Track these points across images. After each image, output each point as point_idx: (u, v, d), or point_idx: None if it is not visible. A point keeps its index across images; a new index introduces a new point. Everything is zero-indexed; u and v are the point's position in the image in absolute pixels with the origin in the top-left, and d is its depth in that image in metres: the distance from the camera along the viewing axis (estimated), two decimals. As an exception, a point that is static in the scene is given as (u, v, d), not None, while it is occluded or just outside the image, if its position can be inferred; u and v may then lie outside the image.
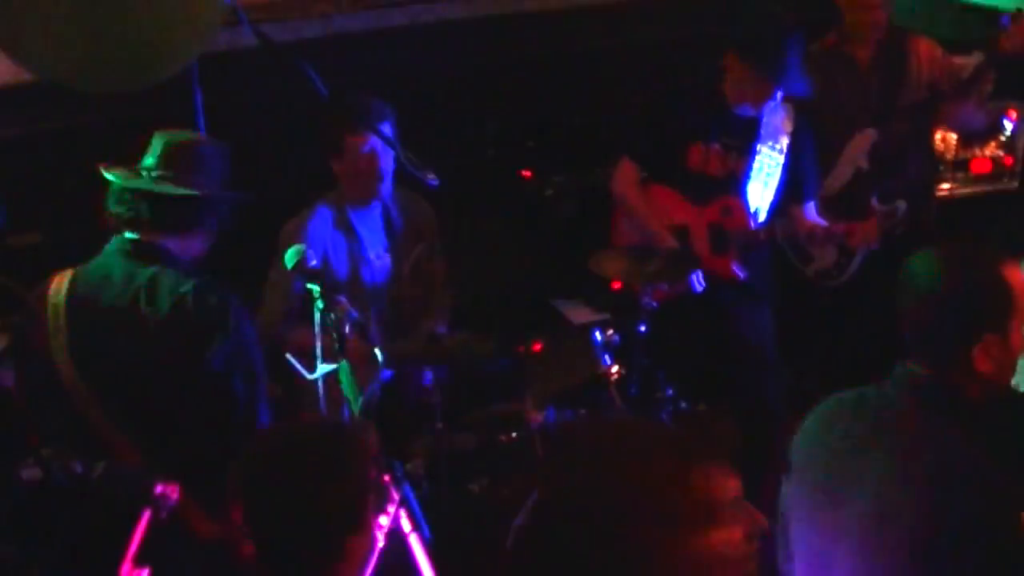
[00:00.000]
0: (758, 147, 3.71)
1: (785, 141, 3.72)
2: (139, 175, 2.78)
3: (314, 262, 2.88)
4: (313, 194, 3.60)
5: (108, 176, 2.78)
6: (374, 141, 3.40)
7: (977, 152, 4.60)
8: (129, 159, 2.86)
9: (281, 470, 1.85)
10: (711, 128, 3.73)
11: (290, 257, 2.88)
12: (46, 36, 2.89)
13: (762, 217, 3.76)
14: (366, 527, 1.90)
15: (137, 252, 2.74)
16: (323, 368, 2.75)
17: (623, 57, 4.87)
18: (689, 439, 1.45)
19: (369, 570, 2.47)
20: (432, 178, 3.40)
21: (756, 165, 3.72)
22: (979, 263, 1.98)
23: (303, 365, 2.81)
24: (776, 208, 3.79)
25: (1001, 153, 4.63)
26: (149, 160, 2.82)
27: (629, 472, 1.39)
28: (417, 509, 2.70)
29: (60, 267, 3.73)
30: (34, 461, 2.46)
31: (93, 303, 2.71)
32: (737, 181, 3.74)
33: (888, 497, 1.89)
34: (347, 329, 2.71)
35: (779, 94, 3.60)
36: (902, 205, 3.80)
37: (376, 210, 3.63)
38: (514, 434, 3.41)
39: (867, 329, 4.07)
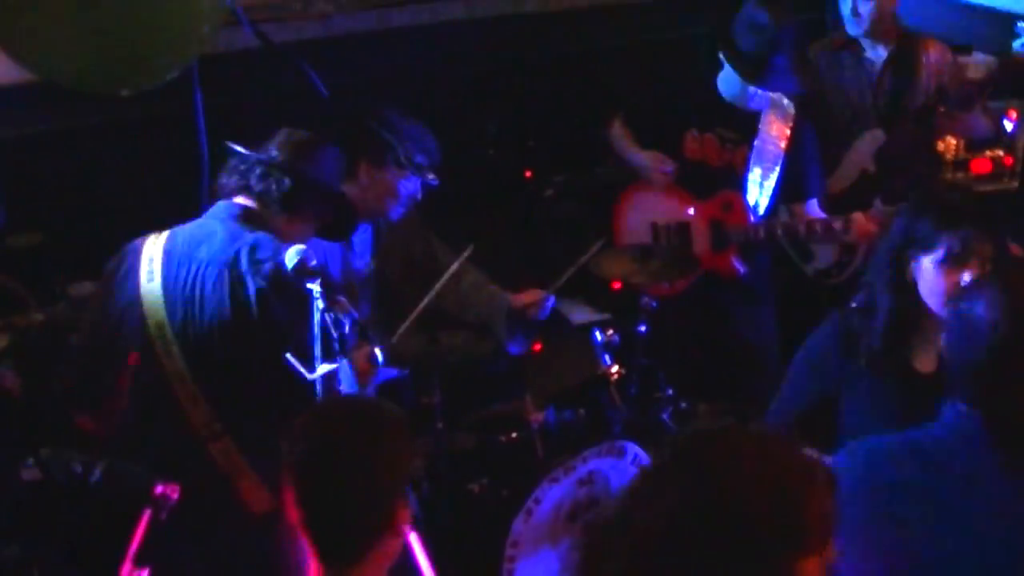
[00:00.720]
0: (756, 143, 3.71)
1: (784, 139, 3.71)
2: (259, 152, 2.90)
3: (314, 261, 2.88)
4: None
5: (234, 147, 2.91)
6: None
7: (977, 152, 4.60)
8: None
9: (334, 441, 1.87)
10: (707, 120, 3.73)
11: (290, 257, 2.88)
12: (46, 36, 2.89)
13: (762, 212, 3.75)
14: (407, 497, 1.92)
15: (245, 217, 2.82)
16: (323, 368, 2.75)
17: (623, 57, 4.88)
18: (815, 463, 1.45)
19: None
20: (432, 178, 3.40)
21: (753, 162, 3.72)
22: None
23: (303, 365, 2.82)
24: (776, 205, 3.78)
25: (1001, 153, 4.62)
26: (272, 145, 2.94)
27: (762, 492, 1.38)
28: (417, 509, 2.70)
29: (60, 267, 3.75)
30: (34, 461, 2.47)
31: (191, 254, 2.77)
32: (737, 175, 3.73)
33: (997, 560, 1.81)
34: (347, 328, 2.71)
35: (761, 91, 3.63)
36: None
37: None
38: (514, 434, 3.41)
39: None
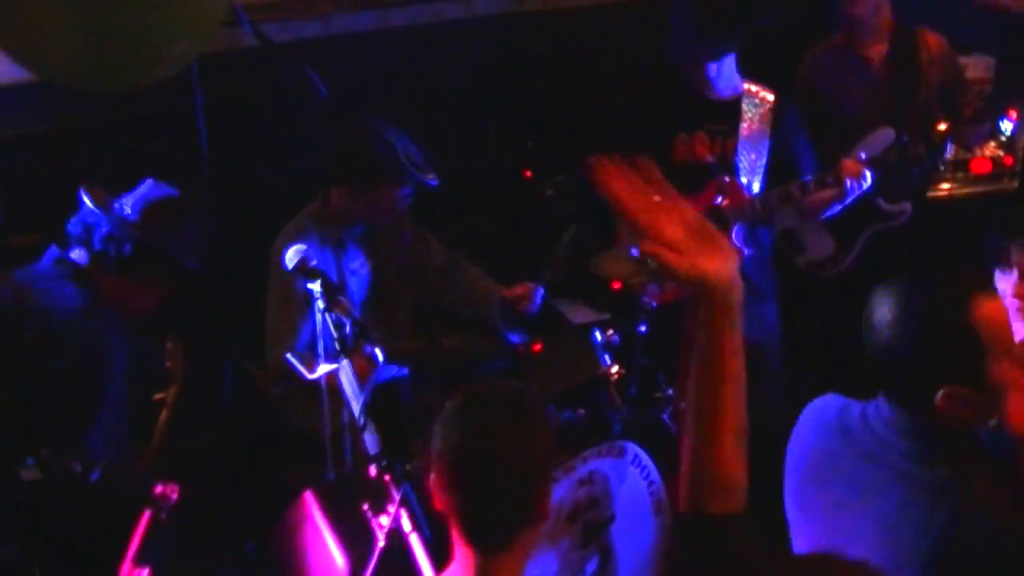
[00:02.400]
0: (741, 128, 3.69)
1: (767, 121, 3.70)
2: (110, 209, 2.82)
3: (314, 261, 2.89)
4: (311, 193, 3.60)
5: (85, 200, 2.82)
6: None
7: (977, 152, 4.60)
8: (114, 187, 2.91)
9: (492, 427, 1.88)
10: (693, 118, 3.73)
11: (291, 257, 2.88)
12: (46, 36, 2.89)
13: (756, 189, 3.73)
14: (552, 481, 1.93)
15: (75, 274, 2.76)
16: (323, 368, 2.75)
17: (622, 57, 4.87)
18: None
19: (369, 570, 2.49)
20: (432, 178, 3.41)
21: (741, 147, 3.71)
22: (943, 310, 1.82)
23: (303, 365, 2.82)
24: (769, 184, 3.75)
25: (1001, 153, 4.62)
26: (128, 199, 2.86)
27: None
28: (417, 509, 2.70)
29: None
30: (34, 461, 2.47)
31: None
32: (729, 164, 3.72)
33: (889, 551, 1.83)
34: (347, 328, 2.72)
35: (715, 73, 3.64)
36: (907, 206, 3.77)
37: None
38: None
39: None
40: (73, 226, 2.81)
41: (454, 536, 1.90)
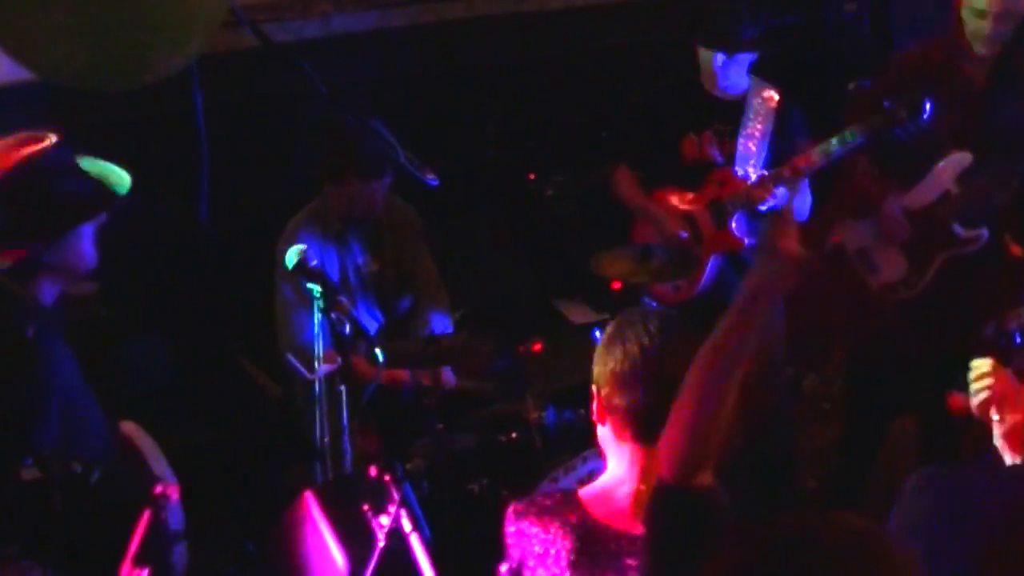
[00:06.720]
0: (744, 122, 3.70)
1: (770, 117, 3.71)
2: None
3: (315, 261, 2.89)
4: (312, 192, 3.60)
5: None
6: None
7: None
8: None
9: (668, 334, 2.13)
10: (701, 118, 3.73)
11: (291, 257, 2.88)
12: (46, 36, 2.89)
13: (753, 176, 3.70)
14: None
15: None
16: (323, 368, 2.75)
17: (623, 57, 4.88)
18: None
19: (369, 570, 2.49)
20: (432, 178, 3.41)
21: (743, 139, 3.71)
22: None
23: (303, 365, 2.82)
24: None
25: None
26: None
27: None
28: (417, 509, 2.70)
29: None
30: (34, 461, 2.47)
31: None
32: (735, 162, 3.73)
33: None
34: (347, 329, 2.72)
35: (723, 66, 3.65)
36: (984, 232, 3.56)
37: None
38: (514, 434, 3.41)
39: (939, 347, 3.52)
40: None
41: (613, 438, 2.13)
